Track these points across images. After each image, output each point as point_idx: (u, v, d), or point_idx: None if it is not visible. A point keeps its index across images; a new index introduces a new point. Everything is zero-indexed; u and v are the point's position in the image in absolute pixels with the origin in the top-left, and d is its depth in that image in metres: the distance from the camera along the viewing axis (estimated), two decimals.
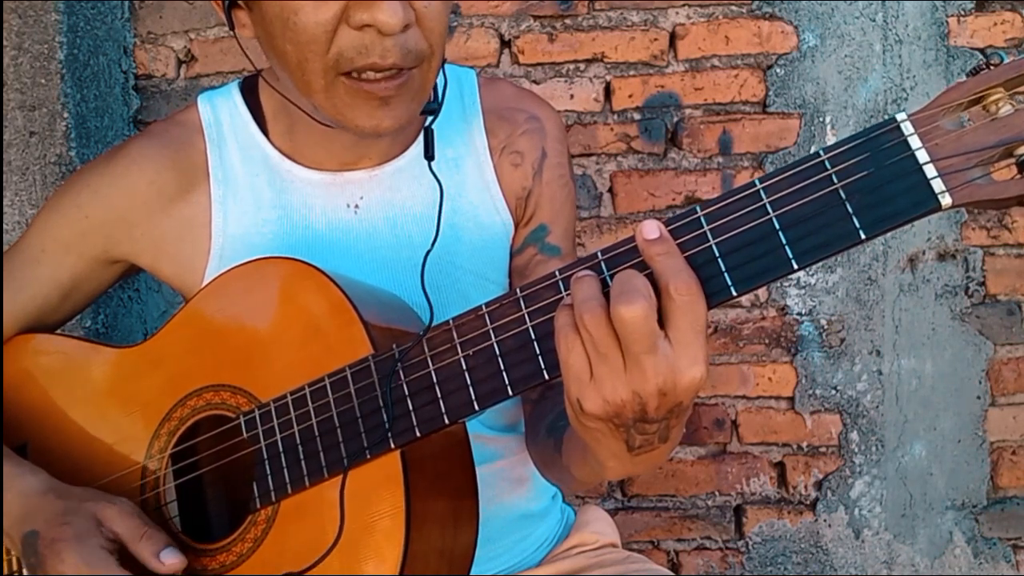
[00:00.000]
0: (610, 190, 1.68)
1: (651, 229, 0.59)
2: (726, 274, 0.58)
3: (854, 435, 1.69)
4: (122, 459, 0.83)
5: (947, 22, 1.64)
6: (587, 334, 0.58)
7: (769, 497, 1.71)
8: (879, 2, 1.63)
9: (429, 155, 0.85)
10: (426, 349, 0.68)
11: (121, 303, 1.63)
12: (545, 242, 0.96)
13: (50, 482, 0.80)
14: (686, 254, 0.59)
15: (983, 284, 1.67)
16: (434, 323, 0.70)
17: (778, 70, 1.65)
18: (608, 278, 0.61)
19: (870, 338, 1.67)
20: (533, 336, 0.63)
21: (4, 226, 1.47)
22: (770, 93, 1.66)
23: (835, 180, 0.57)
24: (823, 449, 1.70)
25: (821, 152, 0.57)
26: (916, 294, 1.67)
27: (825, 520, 1.70)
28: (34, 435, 0.88)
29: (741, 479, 1.71)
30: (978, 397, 1.68)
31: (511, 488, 0.99)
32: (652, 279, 0.58)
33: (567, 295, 0.61)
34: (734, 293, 0.59)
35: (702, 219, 0.59)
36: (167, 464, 0.81)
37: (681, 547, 1.73)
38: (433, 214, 0.84)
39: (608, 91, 1.67)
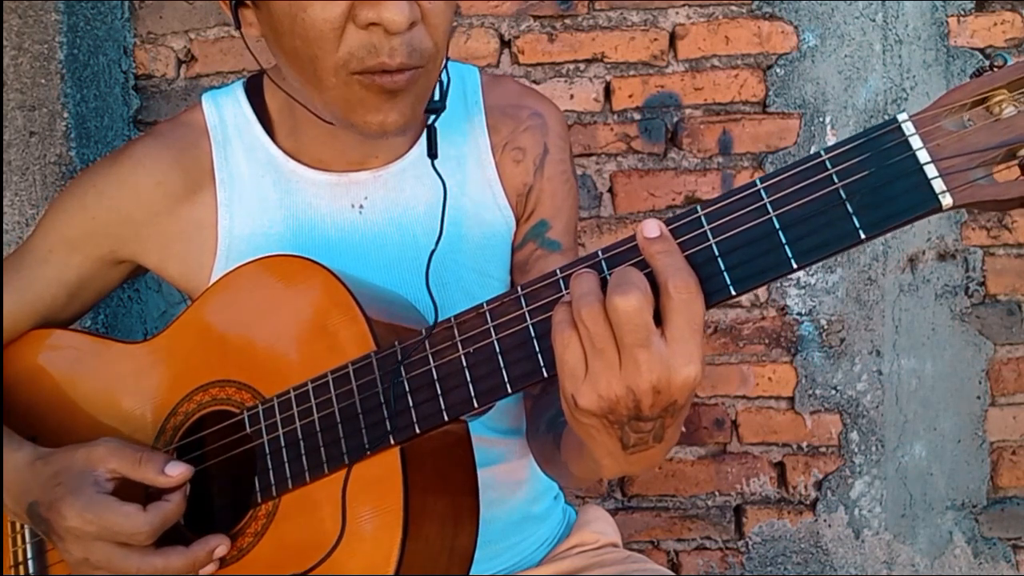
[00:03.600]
0: (610, 190, 1.68)
1: (651, 228, 0.59)
2: (725, 273, 0.59)
3: (854, 435, 1.69)
4: None
5: (947, 22, 1.64)
6: (584, 328, 0.58)
7: (769, 497, 1.71)
8: (879, 2, 1.63)
9: (432, 153, 0.85)
10: (427, 346, 0.69)
11: (121, 303, 1.63)
12: (545, 237, 0.96)
13: (35, 451, 0.81)
14: (686, 253, 0.59)
15: (983, 284, 1.67)
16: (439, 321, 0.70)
17: (778, 70, 1.65)
18: (608, 276, 0.61)
19: (870, 338, 1.67)
20: (533, 334, 0.64)
21: (4, 226, 1.47)
22: (770, 93, 1.66)
23: (836, 180, 0.57)
24: (823, 449, 1.70)
25: (822, 152, 0.57)
26: (916, 294, 1.67)
27: (825, 520, 1.71)
28: (43, 429, 0.88)
29: (741, 479, 1.71)
30: (978, 397, 1.68)
31: (513, 490, 0.99)
32: (652, 277, 0.58)
33: (567, 293, 0.62)
34: (732, 292, 0.59)
35: (702, 218, 0.60)
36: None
37: (681, 547, 1.73)
38: (437, 213, 0.84)
39: (608, 91, 1.67)
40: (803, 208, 0.57)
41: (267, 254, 0.80)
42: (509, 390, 0.65)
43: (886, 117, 1.63)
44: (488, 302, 0.66)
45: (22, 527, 0.89)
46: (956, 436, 1.68)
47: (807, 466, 1.70)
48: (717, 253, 0.59)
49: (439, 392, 0.68)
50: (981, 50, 1.64)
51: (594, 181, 1.68)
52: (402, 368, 0.69)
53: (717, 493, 1.72)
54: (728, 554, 1.72)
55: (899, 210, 0.55)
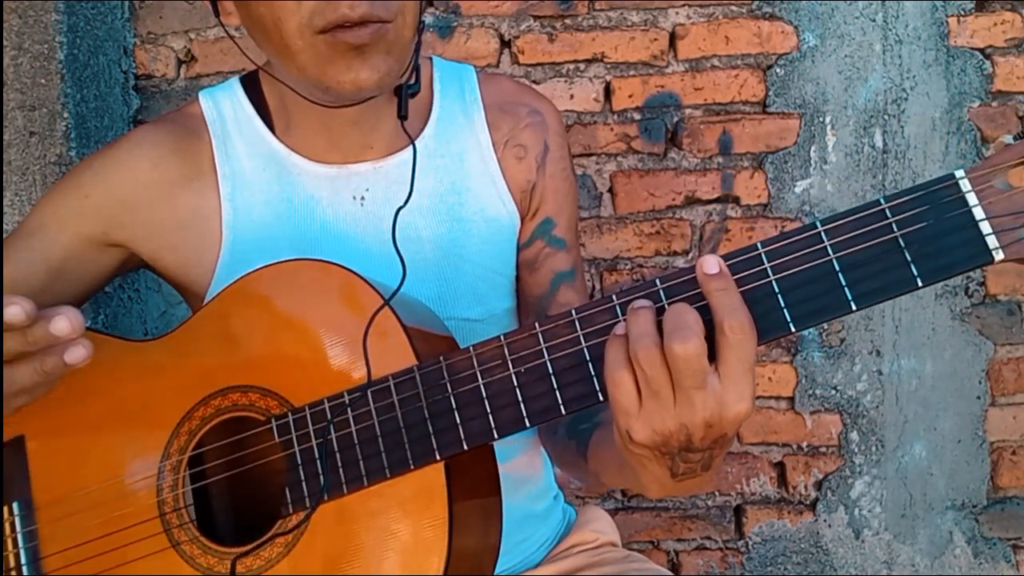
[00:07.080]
0: (610, 190, 1.68)
1: (711, 264, 0.61)
2: (785, 310, 0.61)
3: (854, 435, 1.69)
4: (136, 457, 0.81)
5: (947, 22, 1.64)
6: (640, 370, 0.60)
7: (769, 497, 1.71)
8: (879, 2, 1.63)
9: (401, 115, 0.86)
10: (475, 363, 0.69)
11: (121, 303, 1.63)
12: (552, 235, 0.98)
13: None
14: (745, 288, 0.61)
15: (983, 284, 1.67)
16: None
17: (778, 70, 1.65)
18: (665, 306, 0.63)
19: (870, 338, 1.68)
20: (588, 357, 0.65)
21: (4, 226, 1.47)
22: (770, 93, 1.66)
23: (895, 228, 0.60)
24: (823, 449, 1.70)
25: (882, 200, 0.60)
26: (916, 294, 1.67)
27: (825, 520, 1.71)
28: (35, 427, 0.84)
29: (741, 479, 1.71)
30: (978, 397, 1.68)
31: (516, 488, 0.99)
32: (706, 311, 0.60)
33: (621, 321, 0.63)
34: (792, 329, 0.61)
35: (763, 256, 0.62)
36: (185, 465, 0.79)
37: (681, 547, 1.73)
38: (440, 207, 0.85)
39: (608, 91, 1.67)
40: (863, 253, 0.60)
41: (296, 257, 0.79)
42: (563, 411, 0.66)
43: (886, 117, 1.63)
44: (540, 322, 0.67)
45: (13, 530, 0.86)
46: (956, 436, 1.68)
47: (807, 466, 1.70)
48: (777, 290, 0.61)
49: (488, 410, 0.68)
50: (981, 50, 1.64)
51: (594, 181, 1.68)
52: (448, 384, 0.69)
53: (717, 493, 1.72)
54: (728, 554, 1.73)
55: (954, 261, 0.59)
